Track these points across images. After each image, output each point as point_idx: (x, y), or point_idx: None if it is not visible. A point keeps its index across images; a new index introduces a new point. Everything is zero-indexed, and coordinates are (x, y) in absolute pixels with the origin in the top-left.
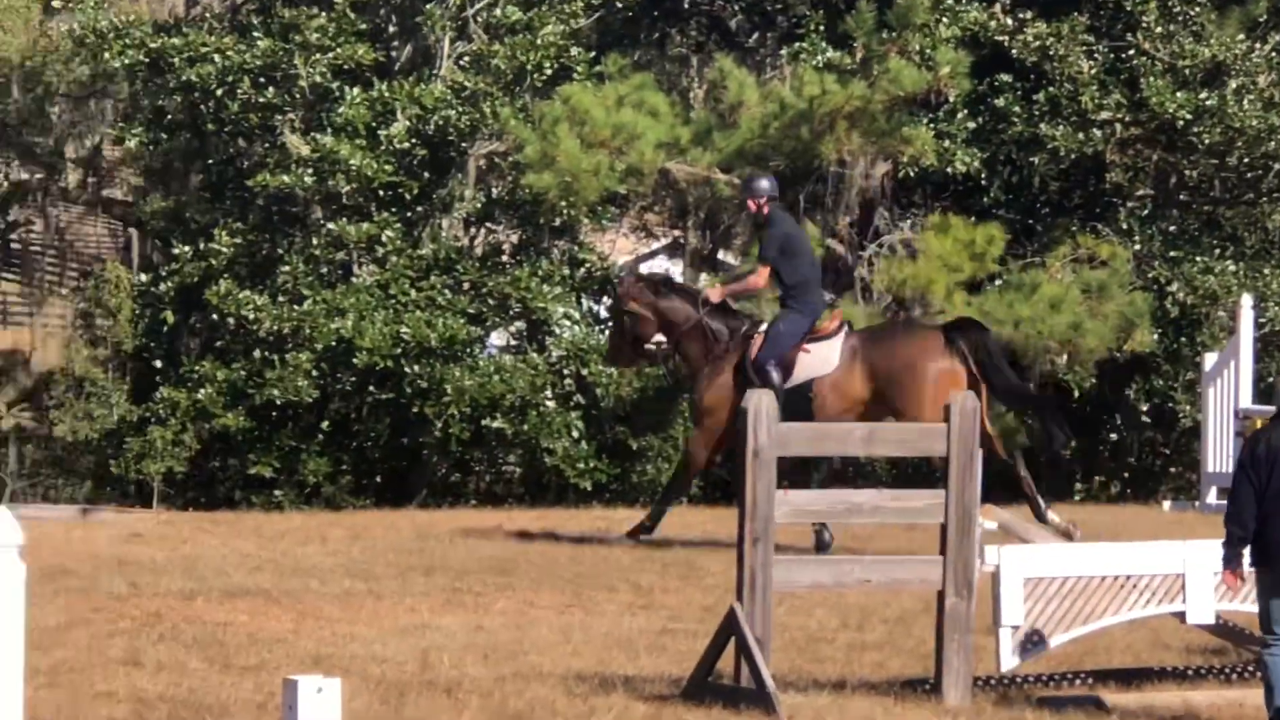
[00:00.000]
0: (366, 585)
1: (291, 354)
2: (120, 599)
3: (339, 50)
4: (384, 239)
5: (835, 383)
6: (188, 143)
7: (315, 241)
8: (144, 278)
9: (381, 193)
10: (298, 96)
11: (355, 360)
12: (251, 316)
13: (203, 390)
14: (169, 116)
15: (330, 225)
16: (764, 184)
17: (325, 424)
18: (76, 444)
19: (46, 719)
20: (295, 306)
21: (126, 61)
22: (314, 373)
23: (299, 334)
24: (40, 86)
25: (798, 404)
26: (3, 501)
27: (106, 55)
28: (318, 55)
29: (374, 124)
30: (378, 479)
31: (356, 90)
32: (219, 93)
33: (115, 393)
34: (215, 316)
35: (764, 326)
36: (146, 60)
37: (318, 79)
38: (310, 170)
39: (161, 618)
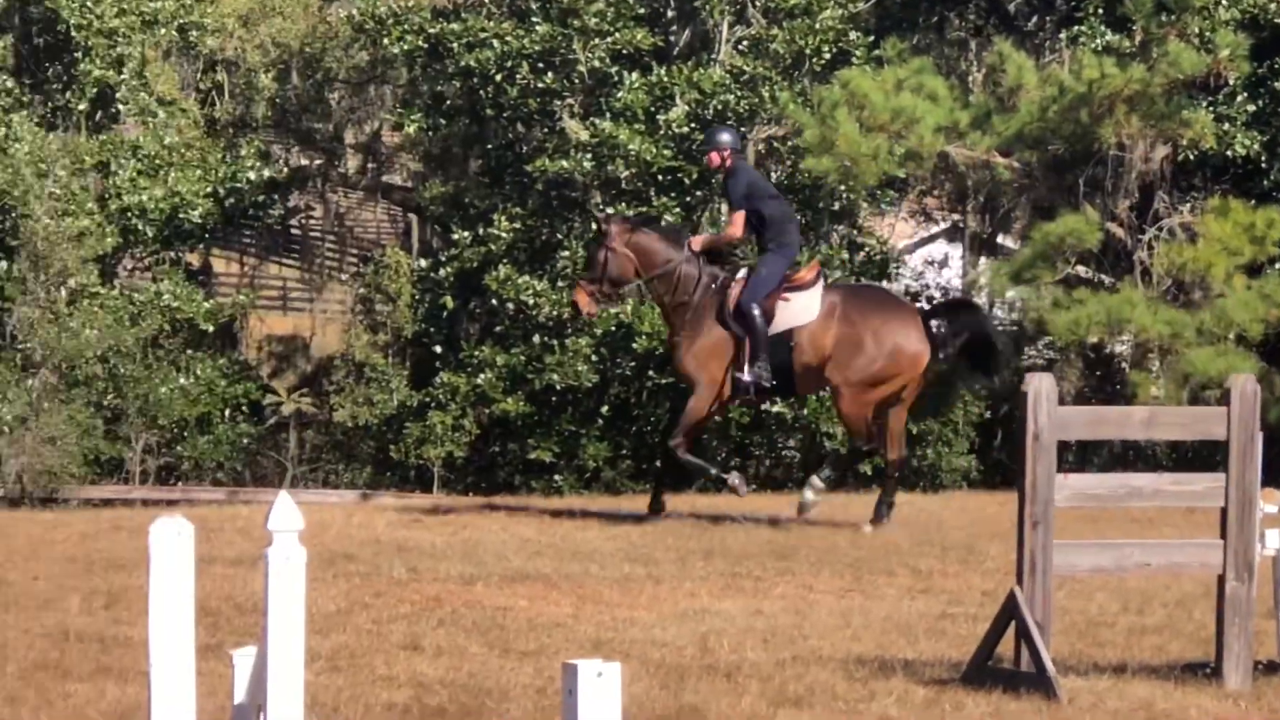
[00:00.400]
0: (646, 569)
1: (571, 339)
2: (400, 584)
3: (618, 35)
4: (663, 224)
5: (812, 334)
6: (466, 128)
7: (594, 226)
8: (423, 263)
9: (660, 177)
10: (576, 81)
11: (634, 345)
12: (531, 302)
13: (482, 375)
14: (448, 102)
15: (609, 210)
16: (725, 136)
17: (605, 409)
18: (356, 429)
19: (327, 703)
20: None
21: (405, 47)
22: (593, 357)
23: (578, 319)
24: (320, 72)
25: (780, 353)
26: (283, 486)
27: (385, 41)
28: (596, 40)
29: (653, 108)
30: (657, 463)
31: (635, 75)
32: (498, 78)
33: (395, 378)
34: (495, 302)
35: (741, 273)
36: (425, 46)
37: (596, 64)
38: (589, 155)
39: (441, 602)
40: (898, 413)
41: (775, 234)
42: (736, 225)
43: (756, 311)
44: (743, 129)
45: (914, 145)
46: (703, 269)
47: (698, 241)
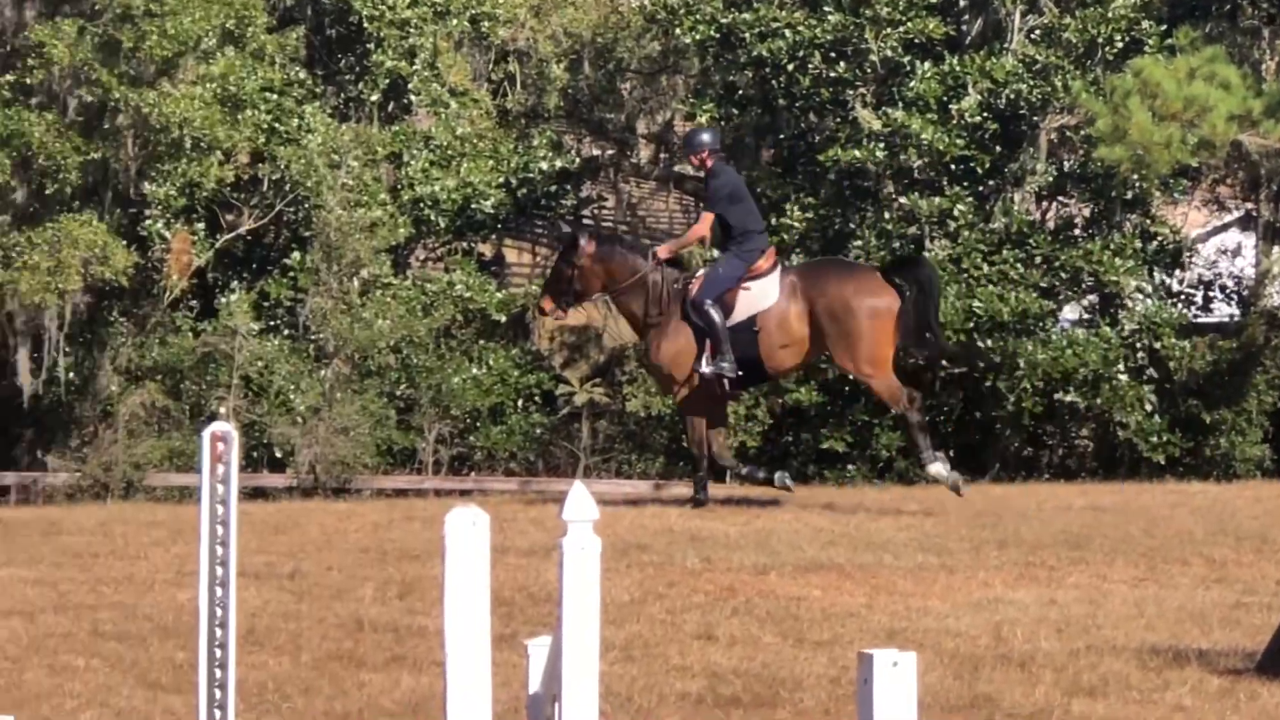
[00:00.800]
0: (939, 559)
1: None
2: (693, 573)
3: (910, 24)
4: (956, 213)
5: (778, 317)
6: (758, 118)
7: (887, 216)
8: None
9: (953, 167)
10: (869, 71)
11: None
12: None
13: None
14: (740, 92)
15: (902, 199)
16: (705, 137)
17: None
18: (649, 419)
19: (621, 693)
20: None
21: (697, 37)
22: None
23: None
24: (611, 63)
25: (745, 340)
26: (576, 476)
27: (677, 31)
28: (888, 29)
29: (945, 98)
30: (950, 453)
31: (927, 64)
32: (790, 67)
33: None
34: None
35: (701, 271)
36: (717, 36)
37: (888, 53)
38: (881, 144)
39: (735, 592)
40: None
41: (739, 239)
42: (705, 224)
43: (710, 307)
44: (1035, 118)
45: (1207, 134)
46: (666, 274)
47: (664, 250)
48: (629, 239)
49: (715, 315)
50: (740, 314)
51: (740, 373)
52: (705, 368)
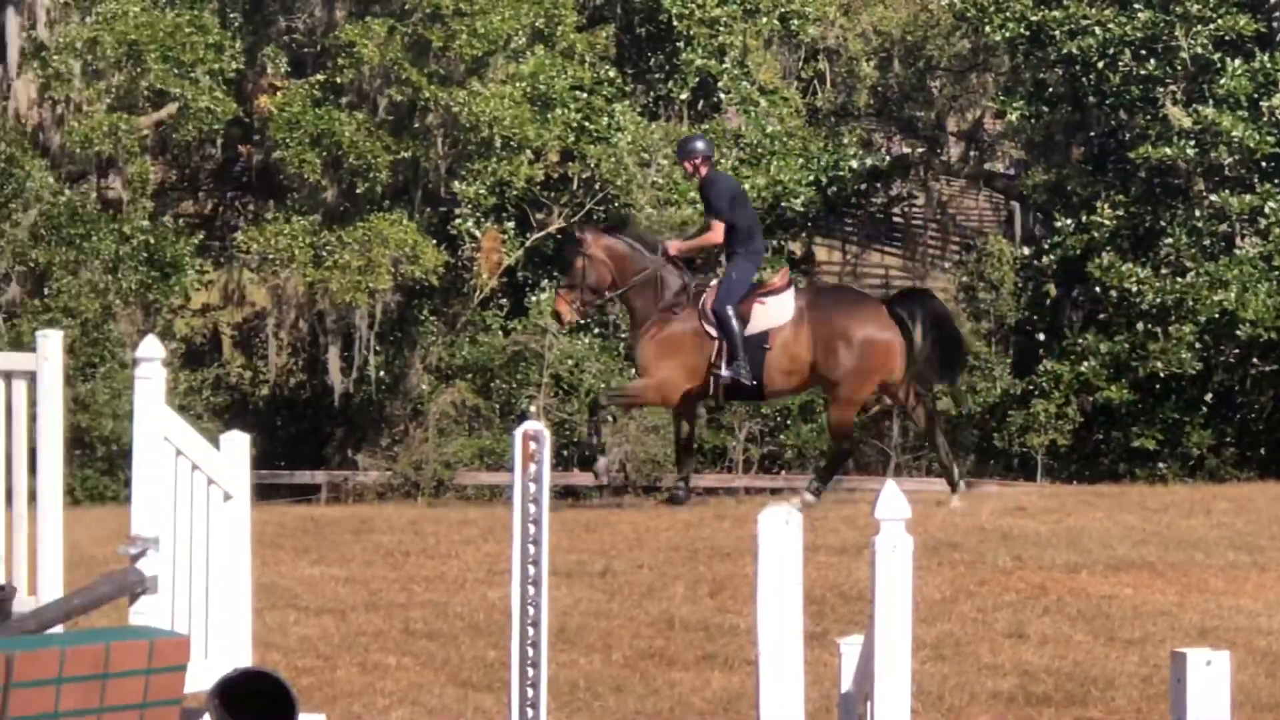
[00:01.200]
0: (1251, 557)
1: (1174, 326)
2: (1005, 572)
3: (1220, 21)
4: (1267, 210)
5: (785, 339)
6: (1068, 115)
7: (1197, 213)
8: (1025, 251)
9: (1264, 164)
10: (1179, 68)
11: (1238, 332)
12: (1134, 289)
13: (1085, 363)
14: (1049, 89)
15: (1213, 197)
16: (699, 144)
17: (1208, 396)
18: (960, 417)
19: (932, 691)
20: (1178, 279)
21: (1007, 34)
22: (1197, 345)
23: (1181, 306)
24: (921, 60)
25: (754, 353)
26: (887, 474)
27: (987, 28)
28: (1199, 26)
29: (1256, 95)
30: (1261, 451)
31: (1238, 61)
32: (1100, 65)
33: (998, 365)
34: (1098, 289)
35: (714, 281)
36: (1027, 33)
37: (1199, 50)
38: (1192, 142)
39: (1046, 590)
40: (906, 395)
41: (745, 240)
42: (717, 231)
43: (731, 314)
44: None
45: None
46: (682, 274)
47: (675, 247)
48: (640, 233)
49: (734, 322)
50: (754, 328)
51: (755, 380)
52: (725, 371)
